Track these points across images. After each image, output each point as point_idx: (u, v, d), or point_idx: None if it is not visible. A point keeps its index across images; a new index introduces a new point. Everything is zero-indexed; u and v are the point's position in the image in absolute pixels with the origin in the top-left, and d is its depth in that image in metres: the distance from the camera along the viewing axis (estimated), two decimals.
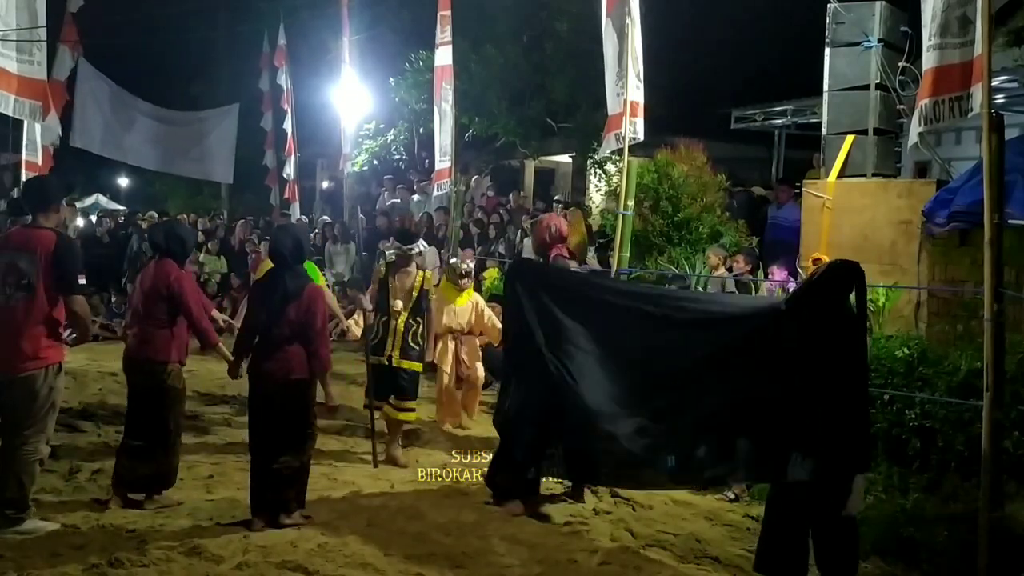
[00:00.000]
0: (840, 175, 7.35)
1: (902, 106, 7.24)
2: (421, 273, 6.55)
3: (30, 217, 4.79)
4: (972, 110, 4.73)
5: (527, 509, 5.34)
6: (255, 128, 17.38)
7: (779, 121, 13.54)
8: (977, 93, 4.60)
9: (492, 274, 10.34)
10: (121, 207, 22.31)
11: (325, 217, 15.92)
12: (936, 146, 10.69)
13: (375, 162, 15.82)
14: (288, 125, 16.23)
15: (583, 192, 14.91)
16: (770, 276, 7.62)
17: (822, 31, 7.40)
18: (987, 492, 4.16)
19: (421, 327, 6.45)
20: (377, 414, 6.40)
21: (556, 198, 14.26)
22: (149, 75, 20.32)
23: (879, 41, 7.14)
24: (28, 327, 4.56)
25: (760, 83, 14.27)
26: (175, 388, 5.23)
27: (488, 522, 5.09)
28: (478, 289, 8.82)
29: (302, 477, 4.98)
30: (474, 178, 15.79)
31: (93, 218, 18.10)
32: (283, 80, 16.17)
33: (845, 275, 4.15)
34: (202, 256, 13.91)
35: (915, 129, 5.27)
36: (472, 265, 7.67)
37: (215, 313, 6.07)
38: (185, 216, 17.29)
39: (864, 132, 7.28)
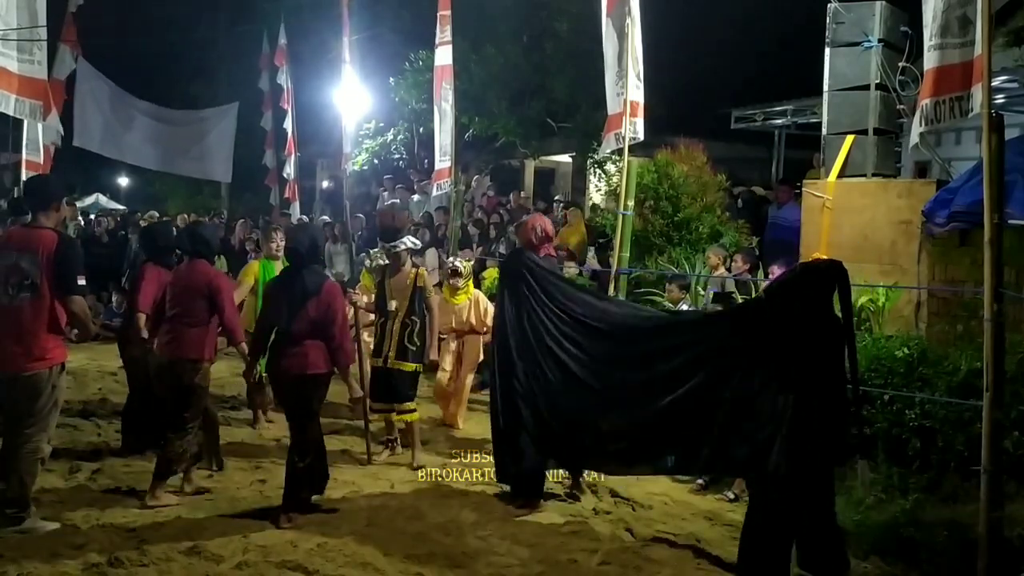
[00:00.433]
0: (840, 175, 7.35)
1: (902, 106, 7.24)
2: (414, 270, 6.44)
3: (30, 216, 4.79)
4: (972, 110, 4.73)
5: (530, 507, 5.36)
6: (255, 128, 17.38)
7: (779, 121, 13.55)
8: (977, 93, 4.61)
9: (492, 274, 10.33)
10: (121, 207, 22.34)
11: (325, 217, 15.92)
12: (936, 146, 10.70)
13: (375, 162, 15.82)
14: (288, 125, 16.23)
15: (583, 192, 14.92)
16: (770, 276, 7.62)
17: (822, 31, 7.40)
18: (987, 492, 4.16)
19: (419, 326, 6.35)
20: (377, 416, 6.41)
21: (556, 198, 14.26)
22: (149, 75, 20.34)
23: (879, 41, 7.14)
24: (33, 326, 4.56)
25: (760, 83, 14.30)
26: (201, 386, 5.37)
27: (488, 522, 5.09)
28: (478, 288, 8.80)
29: (320, 464, 5.20)
30: (475, 178, 15.80)
31: (92, 217, 18.11)
32: (283, 80, 16.16)
33: (826, 274, 4.20)
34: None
35: (916, 129, 5.27)
36: (462, 263, 7.59)
37: None
38: (186, 216, 17.30)
39: (864, 132, 7.28)
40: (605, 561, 4.58)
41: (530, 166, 17.48)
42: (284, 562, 4.30)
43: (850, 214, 7.19)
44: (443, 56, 10.69)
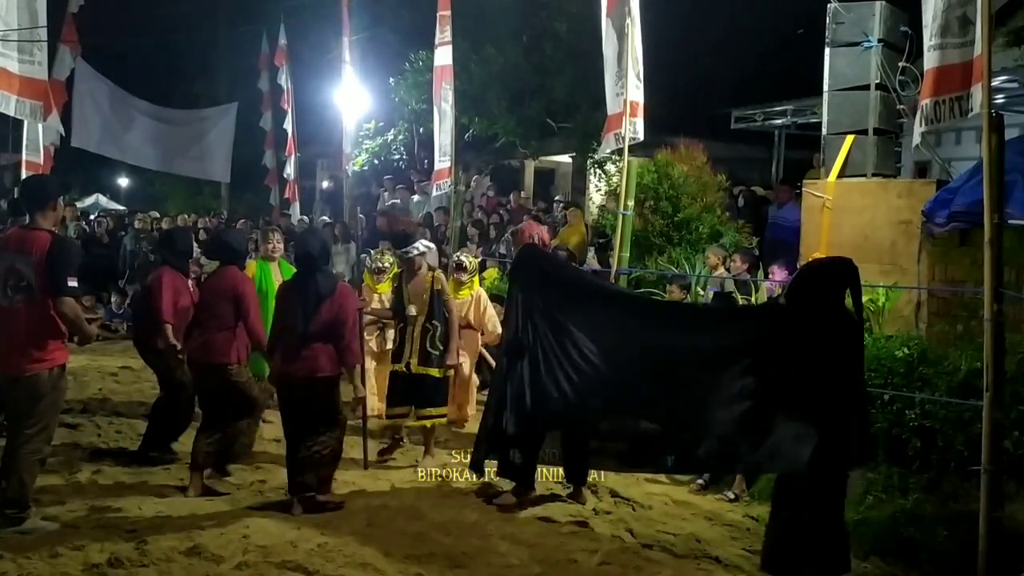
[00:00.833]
0: (840, 175, 7.35)
1: (902, 106, 7.24)
2: (430, 274, 6.34)
3: (27, 217, 4.78)
4: (972, 110, 4.74)
5: (520, 502, 5.37)
6: (255, 128, 17.39)
7: (779, 121, 13.54)
8: (977, 93, 4.61)
9: (492, 274, 10.34)
10: (121, 207, 22.34)
11: (325, 217, 15.92)
12: (936, 146, 10.70)
13: (375, 162, 15.82)
14: (288, 125, 16.23)
15: (583, 192, 14.92)
16: (770, 276, 7.63)
17: (822, 31, 7.40)
18: (987, 492, 4.16)
19: (440, 330, 6.20)
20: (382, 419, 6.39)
21: (556, 198, 14.26)
22: (149, 75, 20.35)
23: (879, 41, 7.14)
24: (31, 328, 4.55)
25: (760, 83, 14.29)
26: (240, 382, 5.58)
27: (488, 522, 5.09)
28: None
29: (334, 461, 5.30)
30: (474, 178, 15.79)
31: (92, 217, 18.10)
32: (283, 80, 16.18)
33: (837, 272, 4.18)
34: (203, 257, 13.89)
35: (918, 129, 5.27)
36: (468, 258, 7.57)
37: None
38: (186, 216, 17.31)
39: (864, 132, 7.28)
40: (605, 561, 4.58)
41: (530, 166, 17.48)
42: (284, 562, 4.30)
43: (850, 214, 7.19)
44: (443, 56, 10.69)
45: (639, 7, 7.44)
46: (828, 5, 7.31)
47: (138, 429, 6.93)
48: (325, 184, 20.95)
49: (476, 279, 7.68)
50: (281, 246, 7.44)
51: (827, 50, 7.38)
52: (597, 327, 5.04)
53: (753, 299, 7.57)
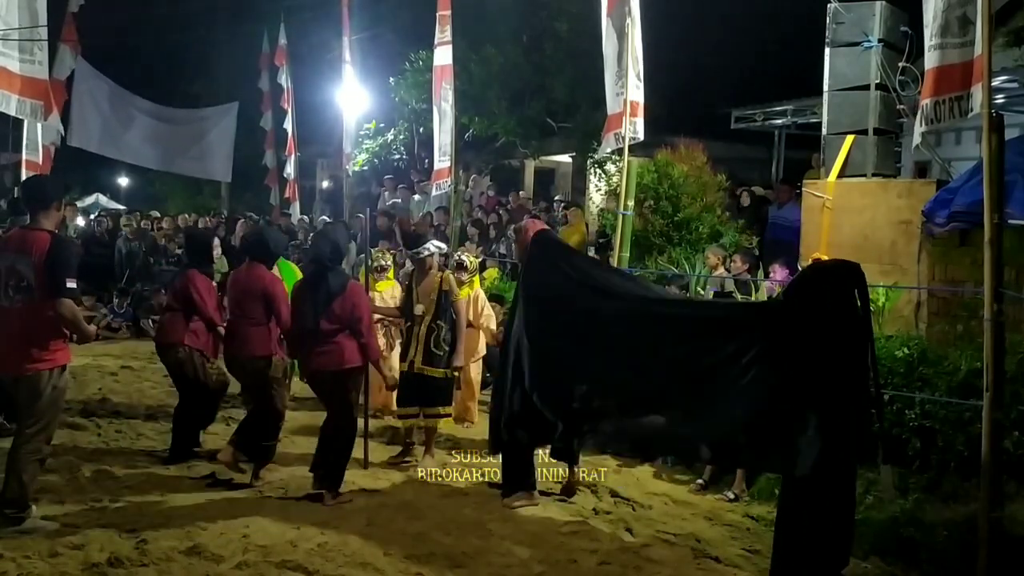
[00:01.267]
0: (840, 175, 7.35)
1: (902, 106, 7.24)
2: (439, 274, 6.36)
3: (28, 217, 4.78)
4: (972, 110, 4.74)
5: (529, 498, 5.41)
6: (255, 128, 17.39)
7: (779, 121, 13.55)
8: (977, 93, 4.61)
9: (492, 274, 10.35)
10: (121, 207, 22.31)
11: (325, 217, 15.93)
12: (936, 146, 10.70)
13: (375, 162, 15.83)
14: (288, 125, 16.23)
15: (583, 192, 14.92)
16: (771, 275, 7.63)
17: (822, 31, 7.40)
18: (987, 492, 4.16)
19: (445, 330, 6.23)
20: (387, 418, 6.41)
21: (556, 198, 14.26)
22: (149, 75, 20.35)
23: (879, 41, 7.14)
24: (31, 328, 4.55)
25: (760, 83, 14.30)
26: (276, 378, 5.78)
27: (488, 521, 5.10)
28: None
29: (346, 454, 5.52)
30: (472, 177, 15.79)
31: (92, 217, 18.08)
32: (283, 79, 16.18)
33: (845, 274, 4.16)
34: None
35: (918, 129, 5.27)
36: (468, 257, 7.57)
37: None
38: (186, 216, 17.31)
39: (864, 132, 7.28)
40: (605, 561, 4.58)
41: (530, 166, 17.48)
42: (284, 562, 4.30)
43: (850, 214, 7.19)
44: (443, 56, 10.70)
45: (639, 7, 7.44)
46: (828, 5, 7.31)
47: (138, 429, 6.96)
48: (325, 184, 20.96)
49: (476, 279, 7.69)
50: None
51: (827, 50, 7.37)
52: (607, 317, 4.99)
53: (753, 299, 7.56)
